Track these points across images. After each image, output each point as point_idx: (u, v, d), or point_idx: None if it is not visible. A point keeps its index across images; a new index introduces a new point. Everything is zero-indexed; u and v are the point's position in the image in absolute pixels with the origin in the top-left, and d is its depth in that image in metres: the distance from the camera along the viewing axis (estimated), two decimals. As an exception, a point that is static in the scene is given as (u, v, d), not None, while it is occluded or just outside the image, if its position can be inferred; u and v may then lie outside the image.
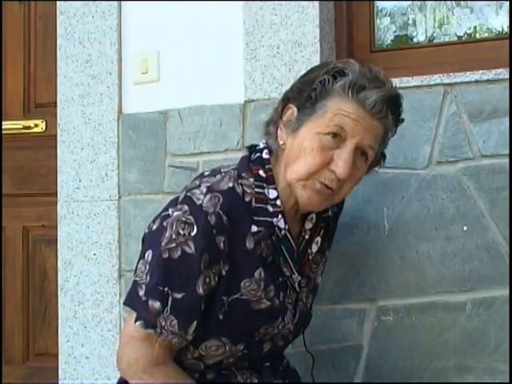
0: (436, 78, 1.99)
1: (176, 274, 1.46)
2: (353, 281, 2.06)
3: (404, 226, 2.02)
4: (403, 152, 2.02)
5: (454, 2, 2.19)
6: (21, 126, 2.74)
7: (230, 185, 1.52)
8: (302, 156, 1.48)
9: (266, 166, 1.56)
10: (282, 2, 2.19)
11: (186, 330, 1.49)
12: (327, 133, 1.47)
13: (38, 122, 2.73)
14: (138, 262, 1.54)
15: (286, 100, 1.55)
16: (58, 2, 2.52)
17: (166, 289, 1.46)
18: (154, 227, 1.52)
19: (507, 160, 1.92)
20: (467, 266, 1.95)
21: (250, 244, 1.51)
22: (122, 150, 2.40)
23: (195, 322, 1.49)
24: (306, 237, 1.62)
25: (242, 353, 1.57)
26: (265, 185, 1.54)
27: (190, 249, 1.45)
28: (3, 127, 2.74)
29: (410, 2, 2.25)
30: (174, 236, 1.46)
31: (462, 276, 1.96)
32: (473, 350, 1.94)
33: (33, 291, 2.73)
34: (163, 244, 1.47)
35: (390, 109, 1.50)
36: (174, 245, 1.46)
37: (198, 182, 1.54)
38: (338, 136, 1.47)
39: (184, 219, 1.46)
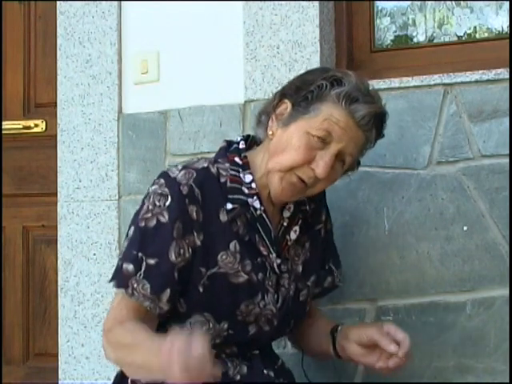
0: (436, 78, 1.99)
1: (150, 242, 1.56)
2: (353, 281, 2.06)
3: (404, 226, 2.02)
4: (403, 152, 2.02)
5: (453, 2, 2.19)
6: (21, 126, 2.74)
7: (205, 165, 1.64)
8: (288, 150, 1.59)
9: (242, 154, 1.67)
10: (282, 2, 2.19)
11: (159, 297, 1.55)
12: (315, 135, 1.58)
13: (38, 122, 2.73)
14: (124, 242, 1.64)
15: (283, 95, 1.65)
16: (58, 2, 2.52)
17: (140, 254, 1.55)
18: (138, 207, 1.64)
19: (507, 160, 1.92)
20: (467, 266, 1.95)
21: (223, 217, 1.61)
22: (121, 150, 2.40)
23: (168, 290, 1.56)
24: (285, 224, 1.71)
25: (227, 333, 1.62)
26: (240, 170, 1.65)
27: (164, 218, 1.56)
28: (3, 127, 2.74)
29: (409, 2, 2.25)
30: (150, 207, 1.58)
31: (462, 276, 1.96)
32: (473, 350, 1.94)
33: (33, 291, 2.73)
34: (140, 215, 1.59)
35: (376, 124, 1.63)
36: (150, 215, 1.57)
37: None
38: (324, 140, 1.59)
39: (160, 191, 1.58)
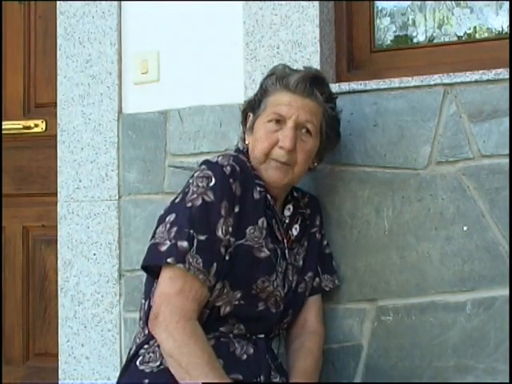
0: (436, 78, 1.99)
1: (198, 219, 1.67)
2: (353, 281, 2.06)
3: (404, 226, 2.02)
4: (403, 152, 2.02)
5: (453, 2, 2.19)
6: (21, 126, 2.74)
7: (235, 154, 1.84)
8: (256, 144, 1.82)
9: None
10: (282, 2, 2.19)
11: (209, 270, 1.66)
12: (270, 120, 1.81)
13: (38, 122, 2.73)
14: (157, 228, 1.72)
15: (245, 111, 1.93)
16: (58, 2, 2.52)
17: (191, 231, 1.66)
18: (178, 198, 1.74)
19: (507, 160, 1.92)
20: (467, 266, 1.95)
21: (256, 195, 1.76)
22: (121, 149, 2.40)
23: (215, 264, 1.67)
24: (286, 221, 1.88)
25: (238, 302, 1.72)
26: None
27: (209, 197, 1.69)
28: (3, 127, 2.74)
29: (409, 2, 2.25)
30: (194, 189, 1.70)
31: (462, 276, 1.96)
32: (473, 350, 1.94)
33: (33, 291, 2.73)
34: (187, 198, 1.70)
35: (316, 87, 1.82)
36: (195, 195, 1.69)
37: None
38: (279, 121, 1.80)
39: (202, 175, 1.72)
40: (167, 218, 1.70)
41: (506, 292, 1.91)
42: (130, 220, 2.37)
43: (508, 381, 1.88)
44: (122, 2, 2.44)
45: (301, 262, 1.90)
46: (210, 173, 1.71)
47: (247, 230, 1.73)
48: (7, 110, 2.77)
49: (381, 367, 2.02)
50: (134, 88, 2.42)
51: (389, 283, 2.03)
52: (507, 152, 1.92)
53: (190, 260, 1.64)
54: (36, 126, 2.73)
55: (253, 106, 1.88)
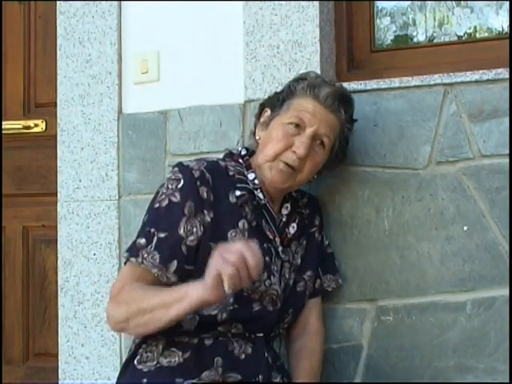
0: (436, 78, 1.99)
1: (162, 218, 1.71)
2: (353, 281, 2.06)
3: (404, 225, 2.02)
4: (403, 152, 2.02)
5: (454, 2, 2.19)
6: (21, 126, 2.74)
7: (215, 159, 1.83)
8: (270, 142, 1.81)
9: (245, 157, 1.86)
10: (282, 2, 2.19)
11: (167, 266, 1.67)
12: (290, 122, 1.80)
13: (38, 121, 2.73)
14: None
15: (263, 106, 1.92)
16: (57, 2, 2.52)
17: (152, 230, 1.69)
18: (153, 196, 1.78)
19: (507, 160, 1.92)
20: (467, 266, 1.95)
21: (233, 199, 1.76)
22: (121, 149, 2.40)
23: (175, 262, 1.67)
24: (284, 219, 1.87)
25: (233, 307, 1.70)
26: (244, 169, 1.83)
27: (176, 198, 1.70)
28: (3, 127, 2.74)
29: (409, 2, 2.25)
30: (164, 190, 1.73)
31: (462, 276, 1.96)
32: (473, 350, 1.94)
33: (33, 291, 2.73)
34: (156, 199, 1.73)
35: (342, 105, 1.84)
36: (163, 196, 1.72)
37: None
38: (298, 126, 1.79)
39: (173, 177, 1.73)
40: (144, 218, 1.76)
41: (506, 292, 1.91)
42: (130, 220, 2.37)
43: (508, 381, 1.88)
44: (122, 2, 2.44)
45: (299, 261, 1.89)
46: (179, 175, 1.72)
47: (228, 234, 1.73)
48: (7, 110, 2.77)
49: (381, 367, 2.02)
50: (133, 88, 2.42)
51: (389, 283, 2.03)
52: (507, 152, 1.92)
53: (145, 255, 1.67)
54: (36, 125, 2.73)
55: (274, 103, 1.87)
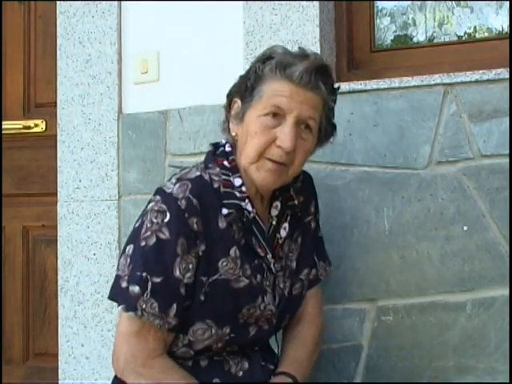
0: (436, 78, 1.99)
1: (153, 260, 1.55)
2: (353, 281, 2.06)
3: (404, 225, 2.02)
4: (403, 152, 2.02)
5: (454, 2, 2.19)
6: (21, 126, 2.74)
7: (198, 173, 1.63)
8: (249, 140, 1.60)
9: (230, 157, 1.66)
10: (282, 2, 2.19)
11: (167, 312, 1.56)
12: (266, 113, 1.58)
13: (38, 121, 2.73)
14: (120, 258, 1.62)
15: (231, 95, 1.68)
16: (57, 2, 2.52)
17: (144, 274, 1.54)
18: (137, 225, 1.62)
19: (507, 160, 1.92)
20: (467, 266, 1.95)
21: (222, 224, 1.60)
22: (122, 149, 2.40)
23: (175, 305, 1.56)
24: (274, 223, 1.71)
25: (229, 336, 1.63)
26: (230, 174, 1.65)
27: (165, 235, 1.55)
28: (3, 127, 2.74)
29: (409, 2, 2.25)
30: (148, 225, 1.56)
31: (462, 276, 1.96)
32: (473, 350, 1.94)
33: (33, 291, 2.73)
34: (140, 235, 1.57)
35: (320, 78, 1.60)
36: (149, 233, 1.56)
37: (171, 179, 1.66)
38: (277, 115, 1.58)
39: (157, 208, 1.56)
40: (127, 249, 1.60)
41: (506, 292, 1.91)
42: (130, 220, 2.37)
43: (508, 381, 1.88)
44: (122, 2, 2.44)
45: (294, 264, 1.76)
46: (164, 207, 1.55)
47: (219, 264, 1.60)
48: (7, 110, 2.77)
49: (381, 367, 2.02)
50: (133, 88, 2.42)
51: (389, 283, 2.03)
52: (507, 152, 1.92)
53: (143, 306, 1.54)
54: (36, 125, 2.73)
55: (242, 92, 1.63)
